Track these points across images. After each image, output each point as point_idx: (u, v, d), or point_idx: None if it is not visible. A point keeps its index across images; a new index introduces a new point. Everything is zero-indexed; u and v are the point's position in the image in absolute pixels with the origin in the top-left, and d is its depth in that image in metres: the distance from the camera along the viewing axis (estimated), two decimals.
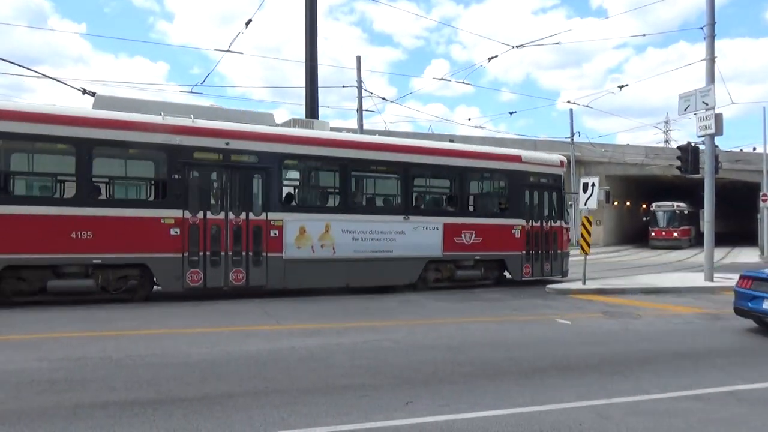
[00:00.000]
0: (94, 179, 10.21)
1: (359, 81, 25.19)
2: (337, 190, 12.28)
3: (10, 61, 13.97)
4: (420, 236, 12.70)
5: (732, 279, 15.23)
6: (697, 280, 15.05)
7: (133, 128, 10.18)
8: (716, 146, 14.38)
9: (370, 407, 5.01)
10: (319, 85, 29.53)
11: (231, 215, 10.91)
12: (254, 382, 5.66)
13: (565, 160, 15.93)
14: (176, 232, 10.41)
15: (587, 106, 28.36)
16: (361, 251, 12.08)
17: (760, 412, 5.15)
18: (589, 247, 13.38)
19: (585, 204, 13.13)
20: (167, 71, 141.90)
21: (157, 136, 10.35)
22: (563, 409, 5.10)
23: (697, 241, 43.13)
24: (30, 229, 9.41)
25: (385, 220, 12.43)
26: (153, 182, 10.98)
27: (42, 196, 10.17)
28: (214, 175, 10.99)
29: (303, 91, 17.85)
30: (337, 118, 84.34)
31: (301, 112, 15.64)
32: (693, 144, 14.84)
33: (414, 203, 13.01)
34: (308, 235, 11.53)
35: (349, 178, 12.26)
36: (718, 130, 13.80)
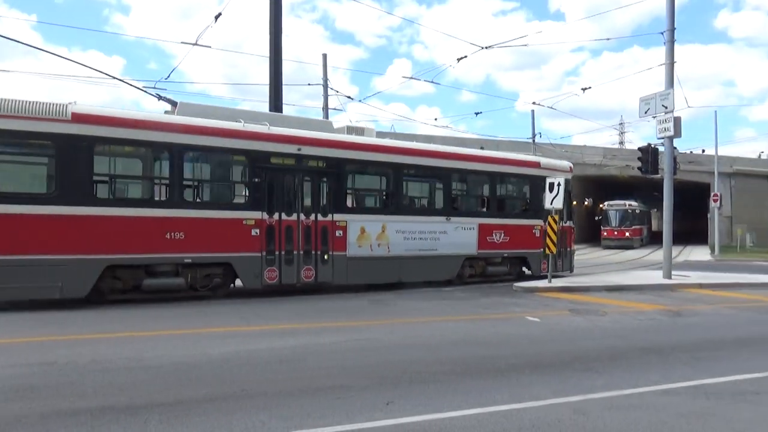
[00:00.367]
0: (185, 183, 10.76)
1: (325, 79, 25.05)
2: (390, 193, 13.26)
3: (80, 63, 13.51)
4: (459, 236, 13.81)
5: (689, 277, 15.87)
6: (656, 277, 15.57)
7: (219, 135, 10.85)
8: (675, 148, 14.89)
9: (351, 408, 4.97)
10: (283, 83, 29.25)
11: (302, 216, 11.70)
12: (233, 384, 5.54)
13: (572, 165, 17.29)
14: (256, 233, 11.11)
15: (551, 107, 28.96)
16: (411, 249, 13.07)
17: (728, 406, 5.34)
18: (555, 247, 13.64)
19: (551, 203, 13.39)
20: (123, 66, 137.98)
21: (240, 142, 11.07)
22: (541, 406, 5.18)
23: (650, 241, 44.61)
24: (129, 230, 9.92)
25: (430, 221, 13.45)
26: (236, 185, 11.70)
27: (140, 199, 10.63)
28: (287, 179, 11.64)
29: (264, 88, 17.60)
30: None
31: (263, 109, 15.43)
32: (652, 145, 15.32)
33: (454, 205, 14.12)
34: (367, 234, 12.46)
35: (401, 181, 13.28)
36: (677, 133, 14.30)
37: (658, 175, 15.83)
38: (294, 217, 11.58)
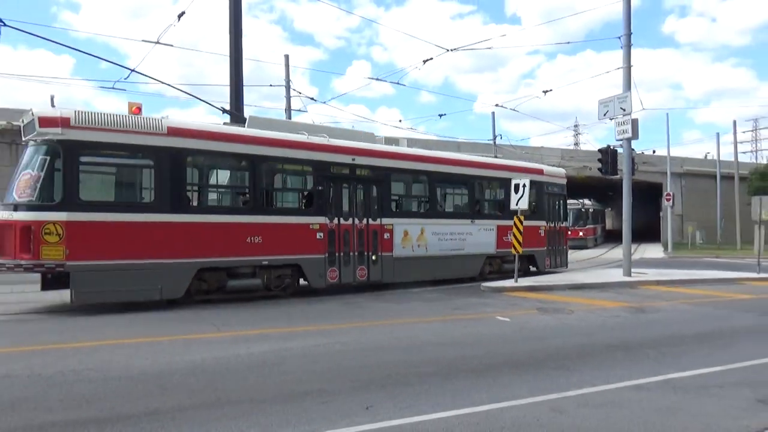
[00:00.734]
0: (262, 191, 11.65)
1: (287, 80, 24.78)
2: (426, 199, 14.67)
3: (159, 81, 12.76)
4: (482, 236, 15.28)
5: (645, 274, 16.38)
6: (616, 275, 16.01)
7: (290, 146, 11.87)
8: (633, 149, 15.36)
9: (331, 413, 4.91)
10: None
11: (356, 221, 12.79)
12: (205, 393, 5.39)
13: (564, 172, 19.16)
14: (321, 236, 12.10)
15: (514, 109, 29.45)
16: (444, 249, 14.40)
17: (695, 400, 5.53)
18: (521, 246, 13.85)
19: (516, 204, 13.60)
20: (73, 65, 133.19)
21: (306, 153, 12.09)
22: (520, 405, 5.24)
23: (604, 240, 45.84)
24: (217, 236, 10.74)
25: (459, 224, 14.74)
26: (304, 193, 12.77)
27: (225, 206, 11.67)
28: (344, 187, 12.71)
29: (222, 89, 17.37)
30: None
31: (217, 110, 15.15)
32: (611, 147, 15.75)
33: (477, 209, 15.70)
34: (410, 236, 13.70)
35: (435, 188, 14.72)
36: (635, 134, 14.75)
37: (617, 176, 16.30)
38: (350, 221, 12.67)
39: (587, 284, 14.33)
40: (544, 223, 17.12)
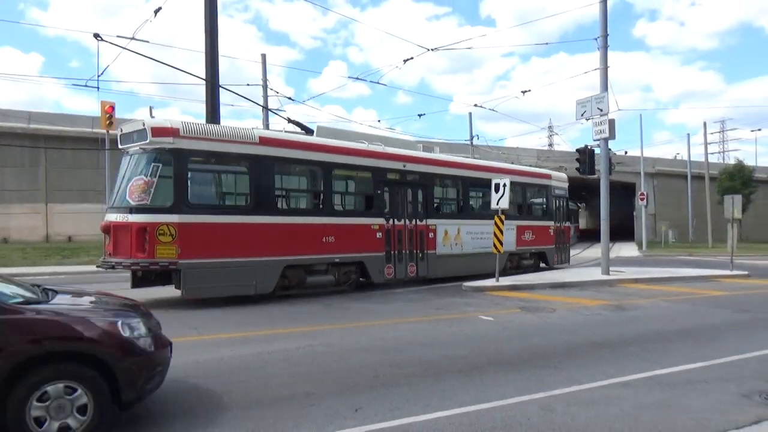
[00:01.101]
0: (334, 194, 12.78)
1: (264, 80, 24.50)
2: (462, 201, 16.06)
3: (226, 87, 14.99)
4: (505, 236, 15.34)
5: (623, 273, 16.59)
6: (595, 274, 16.16)
7: (356, 154, 13.05)
8: (610, 149, 15.53)
9: (320, 417, 4.81)
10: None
11: (407, 222, 13.99)
12: (187, 398, 5.24)
13: (566, 176, 20.69)
14: (380, 236, 13.25)
15: (492, 110, 29.61)
16: (476, 247, 15.66)
17: (682, 396, 5.56)
18: (502, 246, 13.87)
19: (497, 204, 13.62)
20: (42, 63, 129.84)
21: (368, 160, 13.23)
22: (509, 405, 5.20)
23: (577, 240, 46.40)
24: (300, 235, 11.64)
25: (487, 224, 15.34)
26: (366, 196, 13.57)
27: (305, 209, 12.70)
28: (397, 190, 13.95)
29: (196, 88, 17.13)
30: (231, 118, 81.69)
31: (194, 111, 15.08)
32: (589, 147, 15.90)
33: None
34: (449, 236, 14.95)
35: (468, 191, 16.08)
36: (612, 134, 14.90)
37: (595, 175, 16.48)
38: (402, 222, 13.88)
39: (567, 283, 14.43)
40: (552, 223, 18.90)
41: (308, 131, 13.56)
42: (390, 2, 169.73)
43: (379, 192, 13.43)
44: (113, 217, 10.42)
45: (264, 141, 11.38)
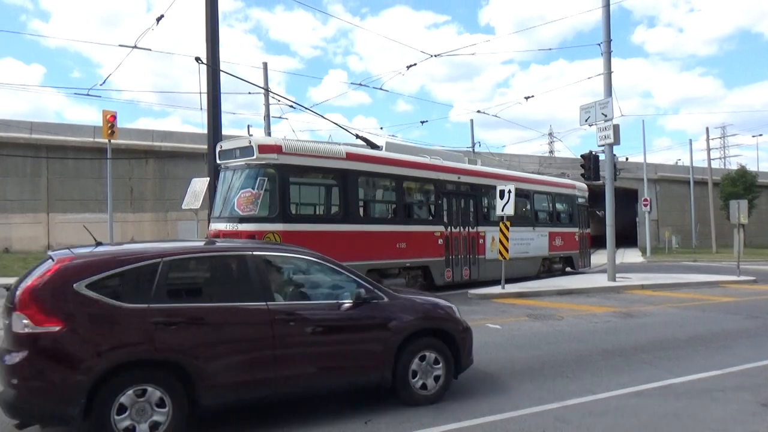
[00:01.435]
0: (405, 204, 13.93)
1: (266, 87, 24.48)
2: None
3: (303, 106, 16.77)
4: (540, 241, 17.62)
5: (630, 279, 16.44)
6: (601, 280, 16.02)
7: (422, 167, 14.19)
8: (616, 156, 15.43)
9: (327, 429, 4.69)
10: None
11: (462, 229, 14.99)
12: None
13: (586, 186, 21.26)
14: (441, 242, 14.19)
15: (496, 116, 29.51)
16: (517, 252, 16.06)
17: (699, 406, 5.43)
18: (507, 252, 13.76)
19: (502, 210, 13.51)
20: (43, 74, 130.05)
21: (430, 173, 14.33)
22: (523, 416, 5.09)
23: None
24: (378, 242, 12.52)
25: (525, 231, 16.93)
26: (429, 206, 14.68)
27: (382, 218, 13.61)
28: (453, 200, 15.01)
29: (194, 98, 17.08)
30: (231, 127, 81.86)
31: (193, 119, 15.02)
32: (594, 153, 15.81)
33: (536, 218, 18.03)
34: (495, 242, 15.08)
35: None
36: (616, 140, 14.82)
37: (600, 182, 16.37)
38: (458, 229, 14.85)
39: (574, 290, 14.29)
40: (577, 229, 19.93)
41: (374, 146, 14.45)
42: (389, 12, 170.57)
43: (439, 202, 14.57)
44: (222, 226, 11.32)
45: (350, 156, 12.44)
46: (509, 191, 13.36)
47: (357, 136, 15.21)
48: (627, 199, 45.44)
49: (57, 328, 4.04)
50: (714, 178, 42.26)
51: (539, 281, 16.27)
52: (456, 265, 14.65)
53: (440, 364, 5.52)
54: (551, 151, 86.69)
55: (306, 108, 16.71)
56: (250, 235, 10.67)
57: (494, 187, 15.88)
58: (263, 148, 11.23)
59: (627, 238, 46.61)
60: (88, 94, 15.79)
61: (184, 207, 23.78)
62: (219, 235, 11.16)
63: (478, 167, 16.66)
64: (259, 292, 4.84)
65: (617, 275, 16.17)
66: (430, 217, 14.49)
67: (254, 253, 5.08)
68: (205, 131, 29.06)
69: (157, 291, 4.44)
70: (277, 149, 11.27)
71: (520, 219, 16.98)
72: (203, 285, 5.08)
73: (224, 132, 27.70)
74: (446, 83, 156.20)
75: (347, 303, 5.16)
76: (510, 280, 14.88)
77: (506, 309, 11.56)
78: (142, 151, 29.16)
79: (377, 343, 5.24)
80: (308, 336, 4.93)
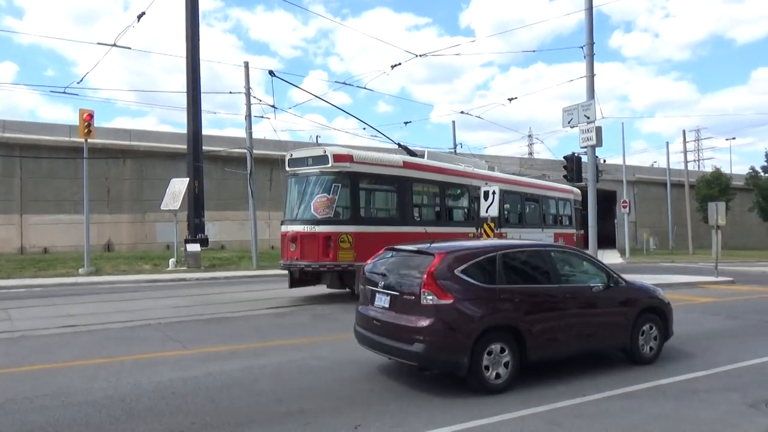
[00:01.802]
0: (447, 208, 15.46)
1: (247, 88, 24.15)
2: (521, 212, 18.99)
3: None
4: (547, 241, 18.58)
5: None
6: None
7: (459, 175, 15.74)
8: (598, 157, 15.52)
9: None
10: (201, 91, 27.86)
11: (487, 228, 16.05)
12: (177, 418, 4.94)
13: (579, 191, 22.88)
14: None
15: (479, 117, 29.69)
16: None
17: (689, 406, 5.42)
18: None
19: (486, 211, 13.50)
20: (16, 72, 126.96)
21: (465, 179, 15.85)
22: (514, 419, 5.02)
23: None
24: (426, 241, 13.70)
25: (536, 232, 19.02)
26: (464, 209, 16.18)
27: (429, 220, 14.60)
28: (480, 203, 15.89)
29: (174, 96, 16.87)
30: (211, 127, 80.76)
31: (171, 119, 14.82)
32: (576, 155, 15.88)
33: (543, 220, 20.08)
34: None
35: (525, 204, 19.19)
36: (599, 142, 14.87)
37: (582, 183, 16.46)
38: (482, 229, 15.95)
39: None
40: (574, 230, 21.53)
41: (413, 154, 15.79)
42: (370, 13, 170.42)
43: (471, 205, 16.00)
44: (299, 228, 12.38)
45: (406, 165, 13.89)
46: (494, 192, 13.37)
47: (399, 145, 17.37)
48: (605, 200, 45.98)
49: (450, 301, 5.69)
50: (690, 180, 42.97)
51: None
52: None
53: (656, 333, 7.23)
54: (531, 153, 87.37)
55: (276, 108, 16.55)
56: (327, 237, 11.99)
57: (512, 192, 18.36)
58: (337, 158, 12.44)
59: (606, 239, 47.15)
60: (64, 92, 15.37)
61: (162, 208, 23.48)
62: (296, 236, 12.27)
63: (498, 174, 18.62)
64: (555, 276, 6.61)
65: None
66: (465, 219, 15.94)
67: (548, 248, 7.15)
68: (185, 131, 28.83)
69: (498, 275, 6.15)
70: (349, 158, 12.53)
71: (532, 221, 19.39)
72: (524, 270, 6.68)
73: (204, 132, 27.63)
74: (426, 85, 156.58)
75: (601, 286, 6.89)
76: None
77: None
78: (119, 151, 28.62)
79: (622, 316, 7.00)
80: (583, 309, 6.67)
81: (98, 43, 15.29)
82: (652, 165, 55.53)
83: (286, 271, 13.16)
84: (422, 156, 15.82)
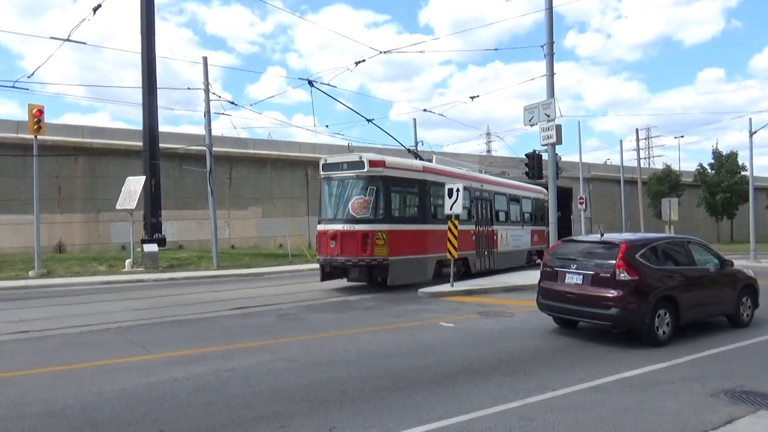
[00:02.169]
0: (463, 207, 15.80)
1: (206, 83, 23.56)
2: (508, 212, 20.57)
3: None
4: (526, 237, 21.58)
5: None
6: None
7: (463, 178, 16.94)
8: (557, 155, 15.83)
9: None
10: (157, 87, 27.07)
11: (484, 228, 18.18)
12: (143, 426, 4.78)
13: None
14: (474, 238, 17.46)
15: (441, 115, 29.85)
16: (514, 247, 20.45)
17: (654, 397, 5.58)
18: (456, 251, 13.83)
19: (450, 209, 13.57)
20: None
21: (466, 182, 16.73)
22: (487, 415, 5.05)
23: None
24: (442, 238, 14.53)
25: (518, 229, 20.99)
26: (468, 209, 17.20)
27: (441, 219, 15.08)
28: (478, 204, 18.08)
29: (128, 92, 16.35)
30: (168, 123, 78.86)
31: (125, 115, 14.39)
32: (537, 152, 16.15)
33: (522, 218, 21.76)
34: (502, 238, 19.46)
35: (510, 204, 20.78)
36: (559, 140, 15.17)
37: (543, 180, 16.77)
38: (482, 228, 17.99)
39: (519, 286, 14.54)
40: (545, 227, 22.27)
41: (421, 158, 17.50)
42: (329, 9, 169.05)
43: (472, 206, 17.58)
44: (339, 227, 13.78)
45: (425, 169, 15.44)
46: (458, 190, 13.44)
47: (409, 151, 19.55)
48: (562, 197, 47.01)
49: (636, 278, 7.82)
50: (642, 177, 44.38)
51: (485, 279, 16.50)
52: (482, 257, 17.83)
53: (750, 303, 9.51)
54: (489, 150, 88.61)
55: (236, 104, 16.20)
56: (364, 234, 13.46)
57: (500, 193, 20.05)
58: (372, 163, 13.89)
59: (564, 235, 48.21)
60: (14, 87, 14.64)
61: (118, 207, 22.71)
62: (337, 234, 13.70)
63: (489, 176, 20.32)
64: (691, 260, 8.89)
65: None
66: (468, 219, 17.17)
67: (684, 240, 9.45)
68: (139, 128, 27.94)
69: (659, 259, 8.41)
70: (382, 164, 13.96)
71: (515, 219, 21.22)
72: (673, 256, 8.81)
73: (160, 129, 26.86)
74: (385, 83, 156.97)
75: (714, 268, 9.06)
76: (505, 270, 18.89)
77: (457, 307, 11.60)
78: (71, 148, 27.51)
79: (731, 290, 9.19)
80: (709, 285, 8.92)
81: (51, 38, 14.57)
82: (606, 162, 57.14)
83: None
84: (431, 160, 17.08)
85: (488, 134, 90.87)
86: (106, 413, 5.08)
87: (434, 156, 17.64)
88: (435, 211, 15.69)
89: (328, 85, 18.21)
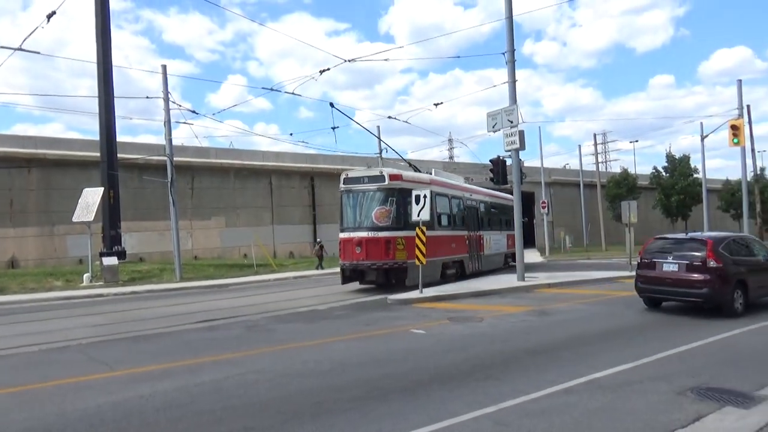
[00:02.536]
0: (453, 215, 18.65)
1: (166, 92, 23.12)
2: (489, 218, 22.54)
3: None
4: (503, 241, 23.80)
5: (537, 278, 17.17)
6: (511, 281, 16.61)
7: (458, 188, 19.47)
8: (521, 160, 16.10)
9: None
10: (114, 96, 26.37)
11: (473, 233, 19.96)
12: None
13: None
14: (467, 243, 19.22)
15: (406, 121, 29.93)
16: (494, 250, 22.44)
17: (625, 397, 5.67)
18: (424, 257, 13.87)
19: (418, 215, 13.62)
20: None
21: (460, 192, 19.59)
22: (461, 422, 5.04)
23: None
24: (447, 242, 17.08)
25: (497, 233, 23.13)
26: (462, 216, 19.33)
27: (446, 226, 17.68)
28: (470, 211, 20.16)
29: (82, 101, 15.89)
30: (126, 133, 76.73)
31: (80, 126, 13.95)
32: (501, 158, 16.39)
33: (500, 224, 23.79)
34: (487, 242, 21.48)
35: (491, 210, 23.07)
36: (522, 145, 15.45)
37: (507, 185, 17.02)
38: (472, 233, 19.87)
39: (487, 291, 14.69)
40: (513, 232, 23.14)
41: (418, 170, 19.03)
42: (289, 17, 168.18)
43: (465, 213, 19.50)
44: (364, 234, 15.43)
45: (432, 182, 17.07)
46: (425, 196, 13.50)
47: (409, 164, 21.32)
48: (526, 201, 47.87)
49: (721, 265, 10.22)
50: (601, 181, 45.55)
51: (453, 284, 16.59)
52: (473, 260, 19.54)
53: None
54: (451, 157, 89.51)
55: (197, 113, 15.88)
56: (387, 240, 15.20)
57: (483, 201, 21.95)
58: (392, 177, 15.63)
59: (526, 239, 49.08)
60: None
61: (75, 220, 21.99)
62: (362, 241, 15.31)
63: (475, 186, 22.30)
64: (751, 252, 11.37)
65: (525, 275, 16.82)
66: (462, 224, 19.12)
67: (746, 236, 12.48)
68: (96, 138, 27.19)
69: (733, 251, 10.71)
70: (399, 177, 15.72)
71: (497, 224, 23.40)
72: (740, 249, 11.08)
73: (118, 139, 26.16)
74: (347, 90, 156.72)
75: (764, 258, 11.35)
76: (485, 272, 20.37)
77: (427, 313, 11.61)
78: (24, 160, 26.57)
79: None
80: (762, 272, 11.16)
81: (2, 47, 14.00)
82: (565, 167, 58.46)
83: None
84: (430, 173, 18.51)
85: (450, 141, 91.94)
86: None
87: (433, 169, 19.30)
88: (439, 218, 17.17)
89: (293, 93, 17.99)
